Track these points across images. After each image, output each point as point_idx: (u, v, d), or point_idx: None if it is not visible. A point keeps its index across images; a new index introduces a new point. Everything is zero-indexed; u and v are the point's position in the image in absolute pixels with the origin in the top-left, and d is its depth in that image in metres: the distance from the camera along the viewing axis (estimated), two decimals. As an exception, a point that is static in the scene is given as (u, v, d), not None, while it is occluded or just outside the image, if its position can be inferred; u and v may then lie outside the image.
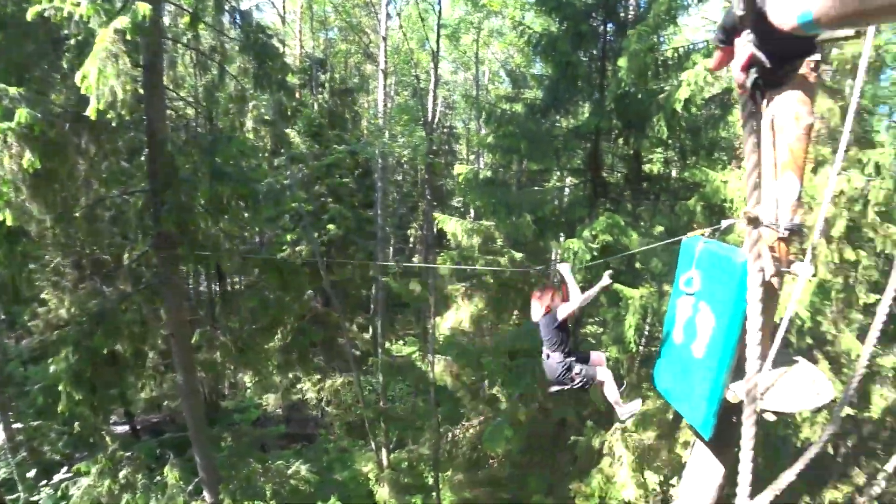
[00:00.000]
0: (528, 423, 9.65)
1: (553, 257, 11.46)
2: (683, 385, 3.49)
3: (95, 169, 6.86)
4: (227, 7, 7.31)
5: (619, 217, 7.27)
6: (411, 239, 24.56)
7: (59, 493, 7.63)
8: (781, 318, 3.32)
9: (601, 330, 10.86)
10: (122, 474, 7.47)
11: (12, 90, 5.12)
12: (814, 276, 6.88)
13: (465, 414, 12.18)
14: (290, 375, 15.44)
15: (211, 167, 6.60)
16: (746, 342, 1.23)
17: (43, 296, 10.93)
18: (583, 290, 3.84)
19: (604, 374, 3.74)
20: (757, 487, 1.71)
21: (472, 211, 18.27)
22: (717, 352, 3.08)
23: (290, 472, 9.00)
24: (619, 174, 10.00)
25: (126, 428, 14.50)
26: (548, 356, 3.68)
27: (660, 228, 7.90)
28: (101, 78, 4.77)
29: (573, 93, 8.77)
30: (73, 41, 5.87)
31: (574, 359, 3.66)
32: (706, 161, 8.81)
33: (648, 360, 8.48)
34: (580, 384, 3.61)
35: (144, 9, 4.86)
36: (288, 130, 14.17)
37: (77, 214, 7.49)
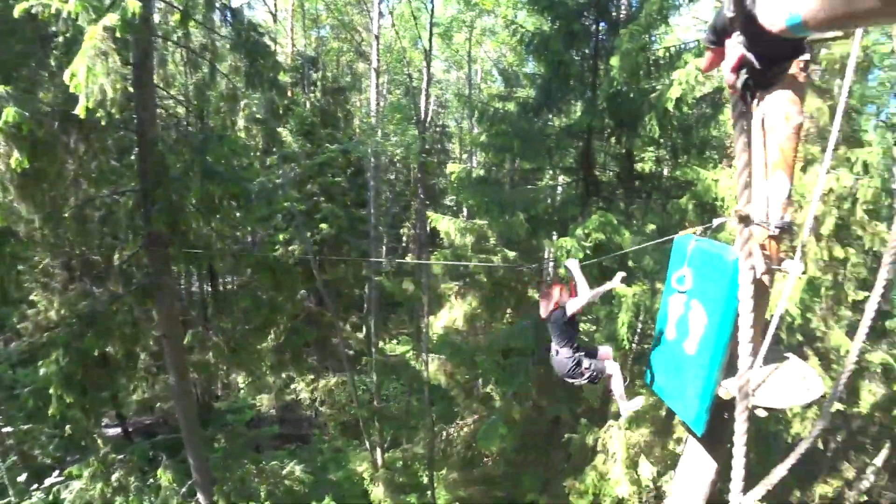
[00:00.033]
0: (523, 422, 9.68)
1: (546, 255, 11.50)
2: (676, 382, 3.51)
3: (85, 168, 6.79)
4: (217, 4, 7.24)
5: (612, 215, 7.30)
6: (404, 238, 24.52)
7: (50, 497, 7.56)
8: (772, 315, 3.36)
9: (594, 328, 10.91)
10: (114, 477, 7.41)
11: (0, 88, 5.05)
12: (804, 273, 6.97)
13: (459, 413, 12.20)
14: (284, 375, 15.39)
15: (202, 166, 6.55)
16: (739, 339, 1.24)
17: (32, 297, 10.80)
18: (591, 286, 3.87)
19: (612, 368, 3.77)
20: (749, 482, 1.73)
21: (465, 210, 18.29)
22: (709, 349, 3.10)
23: (284, 472, 8.97)
24: (611, 173, 10.04)
25: (118, 430, 14.37)
26: (557, 352, 3.71)
27: (652, 227, 7.95)
28: (91, 76, 4.72)
29: (565, 92, 8.79)
30: (61, 38, 5.80)
31: (583, 354, 3.69)
32: (697, 160, 8.87)
33: (641, 357, 8.52)
34: (589, 378, 3.63)
35: (134, 6, 4.81)
36: (280, 129, 14.11)
37: (66, 214, 7.41)
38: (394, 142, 14.54)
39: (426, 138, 14.28)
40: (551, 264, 11.99)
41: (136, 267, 9.28)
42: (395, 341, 21.98)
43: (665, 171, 10.58)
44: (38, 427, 10.01)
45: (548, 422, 9.78)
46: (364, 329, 17.93)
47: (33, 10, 4.83)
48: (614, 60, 7.24)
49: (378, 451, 13.90)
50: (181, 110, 12.44)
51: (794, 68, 2.68)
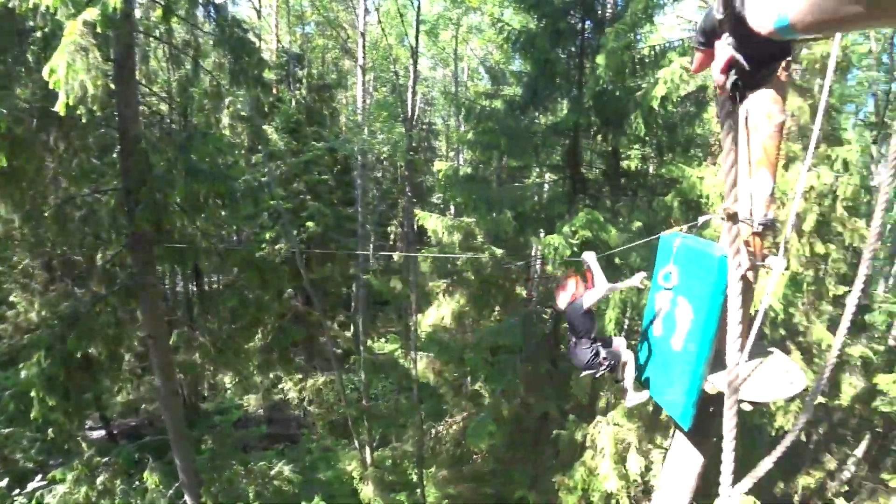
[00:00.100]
0: (511, 419, 9.73)
1: (533, 253, 11.55)
2: (663, 377, 3.56)
3: (65, 167, 6.66)
4: (201, 0, 7.14)
5: (598, 213, 7.36)
6: (392, 236, 24.46)
7: (33, 502, 7.39)
8: (756, 311, 3.42)
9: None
10: (99, 480, 7.29)
11: (-25, 85, 4.92)
12: (786, 269, 7.10)
13: (448, 410, 12.23)
14: (271, 375, 15.27)
15: (186, 164, 6.44)
16: (727, 335, 1.27)
17: (11, 298, 10.58)
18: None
19: (627, 356, 3.81)
20: (735, 475, 1.76)
21: (452, 208, 18.29)
22: (695, 344, 3.15)
23: (272, 473, 8.91)
24: (597, 170, 10.12)
25: (102, 433, 14.14)
26: (575, 343, 3.73)
27: (638, 224, 8.03)
28: (71, 72, 4.61)
29: (552, 90, 8.83)
30: (38, 33, 5.66)
31: (599, 344, 3.72)
32: (682, 157, 8.97)
33: (628, 353, 8.62)
34: (607, 367, 3.66)
35: (115, 0, 4.71)
36: (265, 127, 13.97)
37: (46, 214, 7.27)
38: (380, 139, 14.47)
39: (413, 136, 14.24)
40: (539, 261, 12.05)
41: (119, 267, 9.11)
42: (383, 340, 21.93)
43: (650, 169, 10.70)
44: (20, 431, 9.78)
45: (536, 418, 9.85)
46: (352, 328, 17.86)
47: (10, 5, 4.72)
48: (600, 59, 7.29)
49: (367, 449, 13.87)
50: (164, 107, 12.23)
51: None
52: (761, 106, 3.06)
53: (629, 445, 7.59)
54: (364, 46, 14.66)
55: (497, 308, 11.16)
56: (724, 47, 0.89)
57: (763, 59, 0.84)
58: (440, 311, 10.73)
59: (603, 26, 8.15)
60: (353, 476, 13.35)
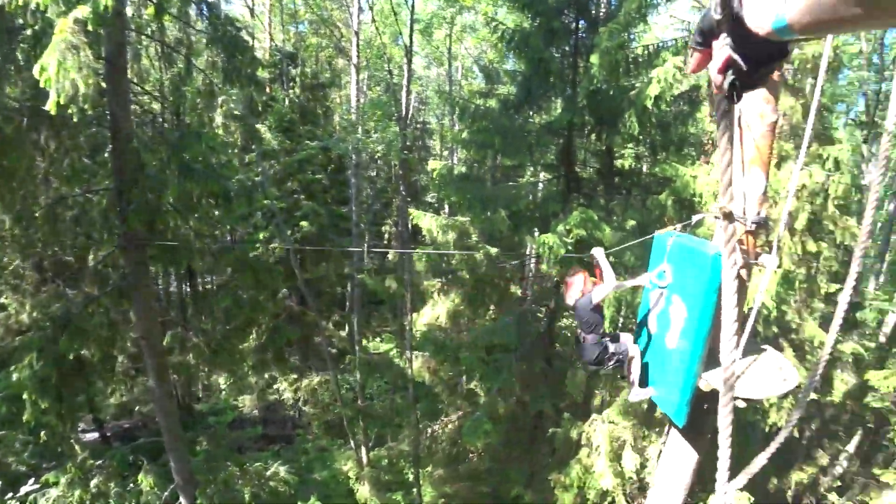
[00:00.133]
0: (507, 417, 9.75)
1: (528, 252, 11.58)
2: (657, 375, 3.58)
3: (56, 166, 6.60)
4: (193, -1, 7.09)
5: (593, 212, 7.38)
6: (386, 235, 24.42)
7: (26, 505, 7.35)
8: (750, 308, 3.45)
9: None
10: (93, 483, 7.23)
11: (-36, 84, 4.86)
12: (779, 267, 7.15)
13: (443, 409, 12.23)
14: (266, 376, 15.21)
15: (179, 164, 6.40)
16: (722, 333, 1.27)
17: (2, 300, 10.45)
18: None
19: (634, 351, 3.82)
20: (730, 472, 1.78)
21: (446, 207, 18.28)
22: (689, 342, 3.17)
23: (268, 473, 8.88)
24: (591, 169, 10.15)
25: (95, 435, 14.03)
26: (584, 339, 3.73)
27: (632, 222, 8.06)
28: (61, 70, 4.56)
29: (546, 89, 8.85)
30: (29, 31, 5.60)
31: (608, 339, 3.73)
32: (676, 156, 9.02)
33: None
34: (616, 363, 3.67)
35: (106, -1, 4.66)
36: (259, 126, 13.90)
37: (37, 214, 7.20)
38: (375, 139, 14.44)
39: (407, 135, 14.21)
40: (533, 260, 12.08)
41: (111, 267, 9.05)
42: (378, 339, 21.90)
43: (644, 168, 10.75)
44: (12, 434, 9.70)
45: (532, 417, 9.87)
46: (347, 327, 17.81)
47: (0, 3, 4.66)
48: (594, 58, 7.31)
49: (363, 449, 13.85)
50: (156, 106, 12.15)
51: (771, 67, 2.74)
52: (754, 105, 3.08)
53: (624, 443, 7.62)
54: (358, 45, 14.62)
55: (492, 307, 11.17)
56: (722, 47, 0.89)
57: (761, 60, 0.85)
58: (435, 311, 10.73)
59: (597, 25, 8.17)
60: (350, 476, 13.34)
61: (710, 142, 8.39)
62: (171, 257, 7.27)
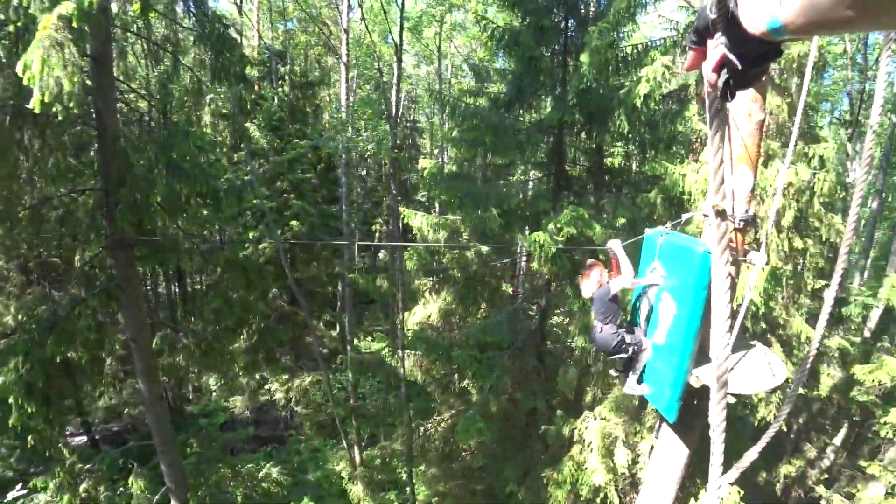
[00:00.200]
0: (500, 415, 9.78)
1: (519, 250, 11.61)
2: (649, 371, 3.62)
3: (41, 166, 6.47)
4: (180, -4, 7.00)
5: (583, 209, 7.42)
6: (377, 234, 24.36)
7: (13, 510, 7.24)
8: (739, 305, 3.49)
9: (567, 320, 11.09)
10: (82, 488, 7.13)
11: (-56, 82, 4.76)
12: (767, 264, 7.25)
13: (436, 408, 12.22)
14: (257, 376, 15.12)
15: (167, 163, 6.32)
16: (713, 330, 1.29)
17: (-15, 302, 10.26)
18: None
19: (647, 343, 3.86)
20: (722, 466, 1.80)
21: (437, 205, 18.27)
22: (679, 339, 3.20)
23: (261, 475, 8.83)
24: (581, 167, 10.20)
25: (84, 439, 13.85)
26: (601, 329, 3.77)
27: (622, 220, 8.12)
28: (45, 68, 4.48)
29: (536, 87, 8.87)
30: (11, 28, 5.49)
31: (624, 331, 3.76)
32: (665, 155, 9.10)
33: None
34: (632, 353, 3.70)
35: (91, -5, 4.59)
36: (247, 124, 13.80)
37: (21, 215, 7.07)
38: (365, 137, 14.38)
39: (398, 133, 14.17)
40: (524, 258, 12.11)
41: (98, 268, 8.90)
42: (369, 338, 21.86)
43: (634, 166, 10.82)
44: (-1, 438, 9.57)
45: (524, 414, 9.91)
46: (338, 327, 17.76)
47: (-20, -1, 4.57)
48: (584, 57, 7.34)
49: (356, 449, 13.82)
50: (143, 105, 11.99)
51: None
52: (742, 105, 3.12)
53: (616, 439, 7.68)
54: (347, 43, 14.54)
55: (483, 305, 11.18)
56: (717, 46, 0.90)
57: (755, 59, 0.86)
58: (427, 309, 10.73)
59: (586, 24, 8.20)
60: (343, 476, 13.31)
61: (699, 140, 8.47)
62: (159, 258, 7.18)
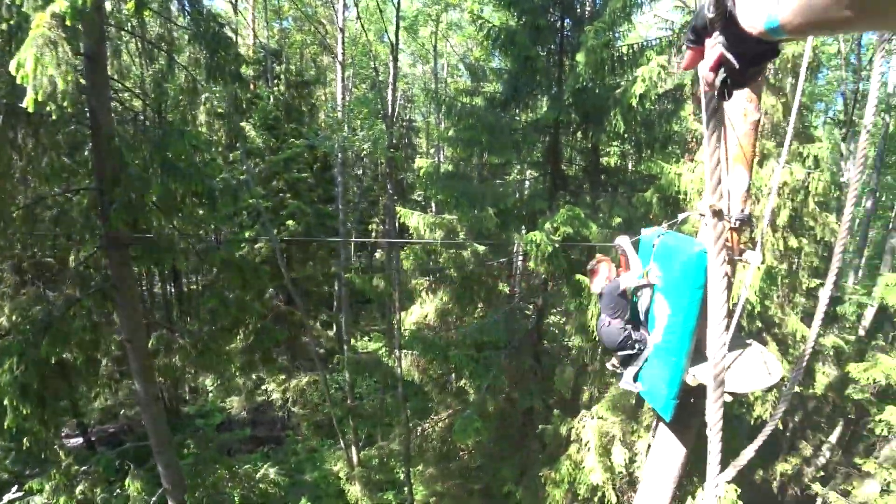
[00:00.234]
0: (497, 414, 9.79)
1: (515, 249, 11.62)
2: (645, 370, 3.62)
3: (34, 165, 6.43)
4: (175, -7, 6.96)
5: (579, 209, 7.43)
6: (373, 234, 24.34)
7: (9, 513, 7.18)
8: (735, 304, 3.50)
9: (564, 319, 11.11)
10: (78, 490, 7.09)
11: (-64, 82, 4.72)
12: (762, 263, 7.28)
13: (433, 408, 12.22)
14: (254, 377, 15.07)
15: (162, 162, 6.28)
16: (709, 329, 1.29)
17: (-22, 303, 10.19)
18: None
19: (650, 341, 3.86)
20: (719, 465, 1.80)
21: (433, 205, 18.26)
22: (676, 338, 3.21)
23: (258, 475, 8.80)
24: (577, 167, 10.22)
25: (80, 440, 13.78)
26: (609, 323, 3.76)
27: (618, 220, 8.13)
28: (39, 67, 4.44)
29: (532, 86, 8.87)
30: (3, 26, 5.45)
31: (631, 326, 3.77)
32: (660, 154, 9.12)
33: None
34: (638, 350, 3.71)
35: (85, -7, 4.55)
36: (243, 124, 13.75)
37: (15, 215, 7.02)
38: (361, 136, 14.35)
39: (394, 133, 14.15)
40: (521, 258, 12.13)
41: (93, 269, 8.86)
42: (366, 338, 21.83)
43: (630, 165, 10.84)
44: (-7, 441, 9.51)
45: (521, 414, 9.92)
46: (335, 327, 17.73)
47: (-29, -3, 4.53)
48: (580, 56, 7.35)
49: (353, 449, 13.80)
50: (138, 104, 11.93)
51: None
52: (737, 105, 3.13)
53: (613, 438, 7.70)
54: (343, 42, 14.50)
55: (480, 304, 11.19)
56: (715, 45, 0.90)
57: (753, 59, 0.86)
58: (423, 309, 10.72)
59: (582, 24, 8.21)
60: (340, 476, 13.28)
61: (695, 140, 8.49)
62: (155, 257, 7.14)
